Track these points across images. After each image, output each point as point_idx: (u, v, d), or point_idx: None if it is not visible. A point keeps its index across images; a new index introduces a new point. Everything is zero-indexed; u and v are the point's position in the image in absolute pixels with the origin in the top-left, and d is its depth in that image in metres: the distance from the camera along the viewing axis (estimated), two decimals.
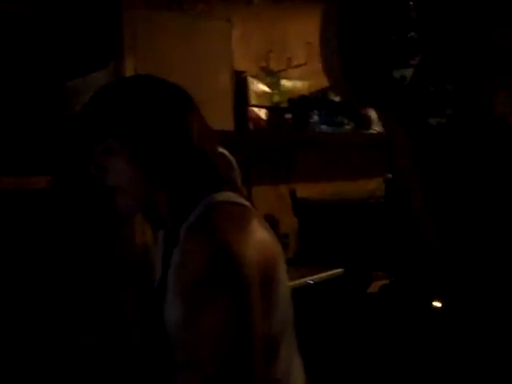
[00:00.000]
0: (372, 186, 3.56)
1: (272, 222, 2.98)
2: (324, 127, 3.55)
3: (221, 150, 1.53)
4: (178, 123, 1.43)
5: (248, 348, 1.25)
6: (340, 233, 3.23)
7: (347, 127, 3.63)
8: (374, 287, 3.03)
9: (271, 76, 3.49)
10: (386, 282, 2.95)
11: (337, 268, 3.13)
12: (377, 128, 3.77)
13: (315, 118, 3.54)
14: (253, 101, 3.37)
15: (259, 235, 1.36)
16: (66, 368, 2.18)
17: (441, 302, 2.77)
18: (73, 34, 2.45)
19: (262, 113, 3.40)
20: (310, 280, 2.94)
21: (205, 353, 1.25)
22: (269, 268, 1.36)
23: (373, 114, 3.78)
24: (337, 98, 3.61)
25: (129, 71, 2.33)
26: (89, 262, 2.29)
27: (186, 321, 1.29)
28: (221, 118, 3.02)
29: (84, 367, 2.20)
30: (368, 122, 3.73)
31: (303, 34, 3.75)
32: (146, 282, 2.22)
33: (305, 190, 3.50)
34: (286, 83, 3.55)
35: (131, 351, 2.22)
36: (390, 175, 3.01)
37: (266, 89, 3.44)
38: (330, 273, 3.09)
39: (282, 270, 1.42)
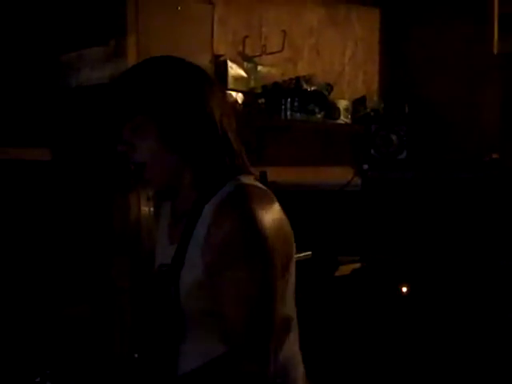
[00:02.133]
0: (338, 173, 3.70)
1: None
2: (296, 114, 3.65)
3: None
4: (202, 103, 1.49)
5: (269, 309, 1.40)
6: (310, 217, 3.34)
7: (318, 116, 3.74)
8: (342, 271, 3.17)
9: (248, 61, 3.56)
10: (357, 265, 3.09)
11: (305, 251, 3.24)
12: (345, 118, 3.91)
13: (288, 105, 3.64)
14: (231, 85, 3.44)
15: (281, 216, 1.48)
16: (60, 332, 2.22)
17: (407, 286, 2.94)
18: (73, 9, 2.46)
19: (239, 97, 3.47)
20: None
21: (229, 300, 1.39)
22: (288, 246, 1.49)
23: (341, 104, 3.91)
24: (309, 87, 3.72)
25: (131, 49, 2.36)
26: (85, 231, 2.33)
27: (212, 273, 1.41)
28: None
29: (77, 333, 2.24)
30: (337, 113, 3.85)
31: (278, 21, 3.84)
32: (139, 252, 2.27)
33: (274, 174, 3.59)
34: (261, 69, 3.63)
35: (122, 322, 2.27)
36: (366, 166, 3.14)
37: (244, 74, 3.51)
38: (298, 255, 3.19)
39: (294, 251, 1.54)
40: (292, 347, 1.54)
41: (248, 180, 1.48)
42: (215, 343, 1.43)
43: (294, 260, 1.55)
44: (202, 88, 1.51)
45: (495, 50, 4.22)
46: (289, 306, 1.51)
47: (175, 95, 1.48)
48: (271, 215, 1.42)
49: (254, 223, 1.38)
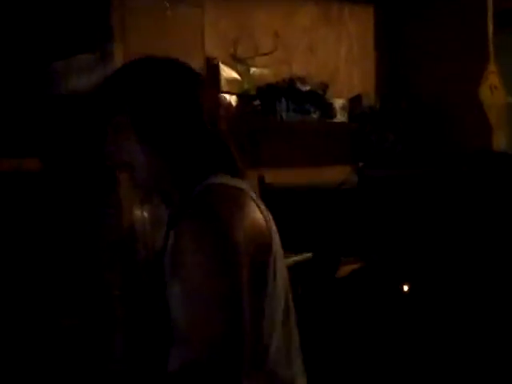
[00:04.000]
0: (337, 172, 3.66)
1: None
2: (291, 115, 3.62)
3: None
4: (188, 102, 1.46)
5: (237, 319, 1.28)
6: (309, 218, 3.31)
7: (314, 116, 3.71)
8: (343, 272, 3.13)
9: (241, 63, 3.53)
10: (356, 266, 3.06)
11: (306, 252, 3.21)
12: (341, 117, 3.87)
13: (283, 106, 3.61)
14: (224, 87, 3.41)
15: (252, 220, 1.39)
16: (52, 346, 2.19)
17: (408, 285, 2.90)
18: (59, 17, 2.44)
19: (233, 100, 3.45)
20: None
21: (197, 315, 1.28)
22: (260, 254, 1.38)
23: (337, 103, 3.88)
24: (303, 87, 3.69)
25: (117, 55, 2.33)
26: (75, 240, 2.30)
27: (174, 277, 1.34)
28: None
29: (69, 345, 2.21)
30: (333, 112, 3.82)
31: (270, 22, 3.81)
32: (131, 261, 2.24)
33: (272, 176, 3.56)
34: (254, 71, 3.60)
35: (115, 331, 2.24)
36: (361, 164, 3.11)
37: (237, 76, 3.48)
38: (299, 257, 3.17)
39: (277, 256, 1.45)
40: (280, 350, 1.43)
41: (220, 179, 1.43)
42: None
43: (278, 265, 1.45)
44: (186, 86, 1.48)
45: (490, 46, 4.19)
46: (267, 315, 1.40)
47: (155, 94, 1.46)
48: (238, 220, 1.35)
49: (219, 225, 1.31)
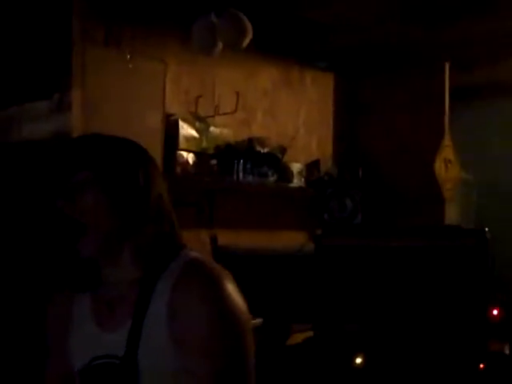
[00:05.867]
0: (293, 238, 3.61)
1: None
2: (248, 176, 3.57)
3: None
4: (144, 177, 1.44)
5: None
6: (262, 283, 3.23)
7: (271, 179, 3.67)
8: (294, 339, 3.04)
9: (200, 122, 3.49)
10: (309, 334, 2.97)
11: (256, 318, 3.11)
12: (298, 182, 3.84)
13: (240, 166, 3.56)
14: (182, 145, 3.36)
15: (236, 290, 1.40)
16: None
17: (362, 357, 2.82)
18: (16, 62, 2.36)
19: (190, 157, 3.39)
20: None
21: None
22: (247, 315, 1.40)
23: (295, 167, 3.86)
24: (262, 149, 3.66)
25: (75, 104, 2.26)
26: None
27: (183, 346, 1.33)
28: None
29: None
30: (290, 176, 3.79)
31: (232, 82, 3.79)
32: None
33: (226, 238, 3.48)
34: (213, 130, 3.56)
35: None
36: (319, 231, 3.06)
37: (195, 134, 3.44)
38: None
39: None
40: None
41: (194, 254, 1.42)
42: None
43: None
44: (142, 162, 1.46)
45: (446, 120, 4.28)
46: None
47: (119, 161, 1.43)
48: (228, 281, 1.36)
49: (220, 290, 1.32)
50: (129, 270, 1.42)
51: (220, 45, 3.15)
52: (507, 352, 2.93)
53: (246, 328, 1.35)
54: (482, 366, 2.75)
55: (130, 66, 3.11)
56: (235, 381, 1.33)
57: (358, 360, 2.77)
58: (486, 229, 2.97)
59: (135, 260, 1.41)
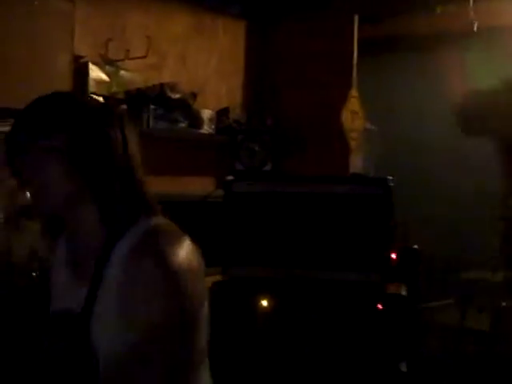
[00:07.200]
0: (202, 184, 3.64)
1: None
2: (159, 122, 3.55)
3: None
4: (108, 138, 1.45)
5: (190, 341, 1.43)
6: None
7: (182, 125, 3.67)
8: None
9: (111, 65, 3.43)
10: (217, 278, 3.04)
11: None
12: (208, 128, 3.86)
13: (151, 112, 3.54)
14: (91, 88, 3.29)
15: (192, 249, 1.48)
16: None
17: (270, 300, 2.92)
18: None
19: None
20: None
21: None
22: (201, 278, 1.52)
23: (205, 114, 3.86)
24: (173, 95, 3.64)
25: None
26: None
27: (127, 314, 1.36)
28: None
29: None
30: (200, 122, 3.80)
31: (143, 27, 3.73)
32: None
33: None
34: (123, 74, 3.50)
35: None
36: (230, 177, 3.09)
37: (105, 77, 3.38)
38: None
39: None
40: (205, 377, 1.53)
41: (157, 219, 1.48)
42: None
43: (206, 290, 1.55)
44: (107, 123, 1.47)
45: (354, 72, 4.36)
46: (204, 337, 1.50)
47: (89, 121, 1.45)
48: (183, 252, 1.42)
49: (168, 264, 1.36)
50: (95, 228, 1.45)
51: None
52: (404, 293, 3.11)
53: (186, 291, 1.39)
54: (380, 306, 2.91)
55: (36, 3, 3.01)
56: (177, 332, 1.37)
57: (264, 303, 2.87)
58: (390, 177, 3.09)
59: (101, 219, 1.45)
